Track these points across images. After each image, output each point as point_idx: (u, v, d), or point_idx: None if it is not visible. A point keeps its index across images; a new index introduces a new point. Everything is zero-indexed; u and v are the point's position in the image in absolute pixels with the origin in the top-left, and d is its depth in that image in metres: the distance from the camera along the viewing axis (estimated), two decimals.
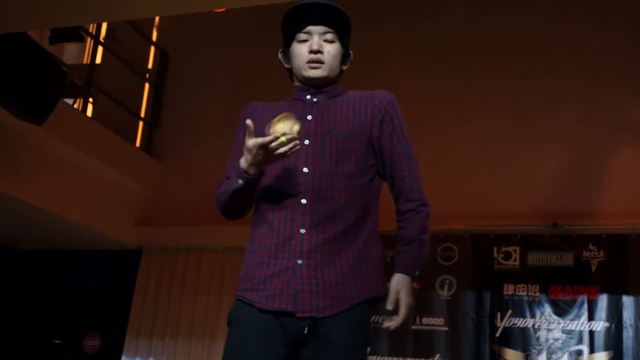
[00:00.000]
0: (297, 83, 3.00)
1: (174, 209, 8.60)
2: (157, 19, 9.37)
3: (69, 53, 8.77)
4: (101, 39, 8.53)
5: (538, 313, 7.31)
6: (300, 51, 2.89)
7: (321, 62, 2.88)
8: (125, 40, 8.80)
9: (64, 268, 8.89)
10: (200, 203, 8.42)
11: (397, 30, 8.40)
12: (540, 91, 7.57)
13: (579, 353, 7.13)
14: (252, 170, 2.64)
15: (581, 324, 7.21)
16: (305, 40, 2.89)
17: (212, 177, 8.89)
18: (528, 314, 7.34)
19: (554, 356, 7.19)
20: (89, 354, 8.48)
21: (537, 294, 7.37)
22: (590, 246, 7.31)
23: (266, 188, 2.79)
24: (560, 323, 7.22)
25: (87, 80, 8.28)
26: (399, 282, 2.76)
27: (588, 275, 7.25)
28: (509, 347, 7.32)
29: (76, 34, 7.61)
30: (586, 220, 7.19)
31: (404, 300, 2.70)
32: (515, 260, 7.52)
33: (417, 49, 8.31)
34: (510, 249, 7.56)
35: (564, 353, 7.16)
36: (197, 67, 9.18)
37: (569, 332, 7.20)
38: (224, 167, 2.99)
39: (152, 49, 9.38)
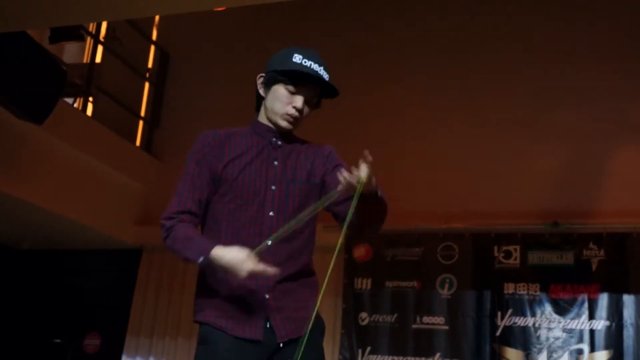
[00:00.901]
0: (262, 119, 3.13)
1: None
2: (157, 18, 9.39)
3: (69, 52, 8.78)
4: (101, 38, 8.57)
5: (538, 312, 7.33)
6: (284, 100, 3.02)
7: (297, 120, 3.06)
8: (125, 40, 8.82)
9: (64, 267, 8.91)
10: None
11: (396, 29, 8.40)
12: (540, 90, 7.58)
13: (580, 352, 7.15)
14: (207, 264, 2.76)
15: (582, 322, 7.22)
16: (293, 93, 3.02)
17: None
18: (528, 313, 7.35)
19: (555, 355, 7.19)
20: (89, 354, 8.51)
21: (538, 293, 7.37)
22: (591, 245, 7.32)
23: (234, 225, 2.96)
24: (560, 322, 7.25)
25: (87, 80, 8.29)
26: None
27: (588, 274, 7.26)
28: (510, 346, 7.34)
29: (76, 33, 7.57)
30: (587, 219, 7.21)
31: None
32: (515, 259, 7.53)
33: (417, 47, 8.32)
34: (511, 247, 7.57)
35: (564, 352, 7.18)
36: (197, 67, 9.21)
37: (569, 331, 7.22)
38: (179, 194, 3.07)
39: (152, 48, 9.46)
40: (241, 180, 2.97)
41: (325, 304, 7.85)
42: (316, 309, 2.87)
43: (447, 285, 7.65)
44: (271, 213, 2.95)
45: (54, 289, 8.83)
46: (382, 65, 8.33)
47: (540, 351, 7.24)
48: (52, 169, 7.56)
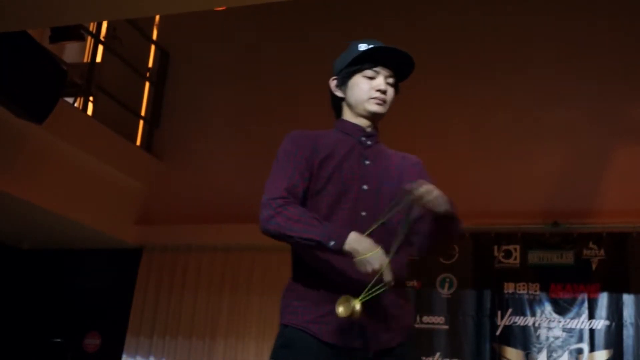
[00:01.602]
0: (348, 117, 3.08)
1: (175, 208, 8.64)
2: (157, 17, 9.39)
3: (69, 52, 8.80)
4: (101, 38, 8.56)
5: (538, 311, 7.34)
6: (366, 86, 2.99)
7: (385, 101, 3.00)
8: (126, 39, 8.82)
9: (64, 267, 8.90)
10: (200, 202, 8.55)
11: (396, 29, 8.40)
12: (540, 90, 7.59)
13: (580, 351, 7.15)
14: (347, 251, 2.61)
15: (581, 322, 7.22)
16: (371, 77, 2.99)
17: (212, 175, 8.93)
18: (528, 313, 7.36)
19: (555, 354, 7.20)
20: (90, 353, 8.49)
21: (538, 293, 7.38)
22: (591, 244, 7.32)
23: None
24: (560, 321, 7.25)
25: (87, 79, 8.27)
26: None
27: (588, 274, 7.26)
28: (510, 345, 7.35)
29: (76, 33, 7.61)
30: (586, 219, 7.21)
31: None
32: (515, 258, 7.54)
33: (419, 48, 8.26)
34: (511, 247, 7.58)
35: (564, 351, 7.18)
36: (197, 66, 9.21)
37: (569, 331, 7.22)
38: (285, 176, 2.90)
39: (153, 47, 9.45)
40: (335, 179, 2.89)
41: None
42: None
43: (447, 285, 7.67)
44: (363, 213, 2.87)
45: (54, 288, 8.82)
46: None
47: (540, 351, 7.24)
48: (52, 168, 7.55)
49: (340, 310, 2.59)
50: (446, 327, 7.56)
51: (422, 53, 8.38)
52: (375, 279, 2.63)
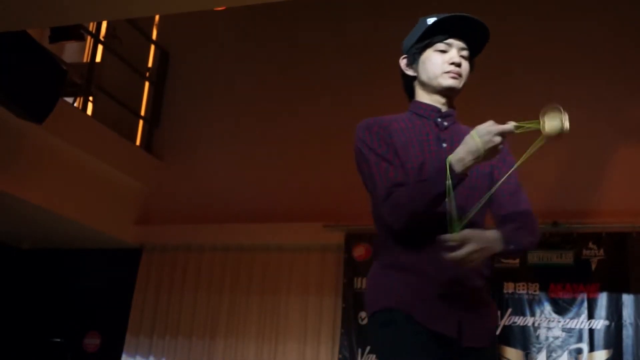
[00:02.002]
0: (422, 98, 2.92)
1: (174, 208, 8.65)
2: (157, 17, 9.42)
3: (69, 51, 8.82)
4: (101, 38, 8.61)
5: (538, 311, 7.36)
6: (438, 60, 2.83)
7: (460, 75, 2.85)
8: (125, 39, 8.86)
9: (64, 267, 8.93)
10: (200, 201, 8.60)
11: (394, 29, 8.38)
12: (539, 90, 7.57)
13: (579, 351, 7.15)
14: (462, 167, 2.49)
15: (581, 322, 7.22)
16: (443, 51, 2.84)
17: (212, 175, 8.93)
18: (528, 313, 7.38)
19: (554, 354, 7.21)
20: (90, 353, 8.53)
21: (537, 293, 7.40)
22: (590, 244, 7.32)
23: None
24: (560, 321, 7.25)
25: (87, 79, 8.29)
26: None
27: (588, 274, 7.27)
28: (509, 345, 7.35)
29: (76, 33, 7.59)
30: (586, 219, 7.21)
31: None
32: (515, 258, 7.43)
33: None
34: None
35: (563, 351, 7.19)
36: (197, 66, 9.24)
37: (568, 331, 7.22)
38: (377, 175, 2.75)
39: (152, 47, 9.49)
40: (414, 164, 2.72)
41: (324, 304, 8.04)
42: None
43: None
44: (467, 193, 2.69)
45: (54, 288, 8.85)
46: (377, 64, 8.28)
47: (539, 350, 7.26)
48: (52, 168, 7.58)
49: (547, 127, 2.47)
50: None
51: None
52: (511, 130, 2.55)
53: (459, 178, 2.50)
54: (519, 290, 7.45)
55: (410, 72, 2.92)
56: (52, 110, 6.48)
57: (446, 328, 2.58)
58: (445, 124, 2.86)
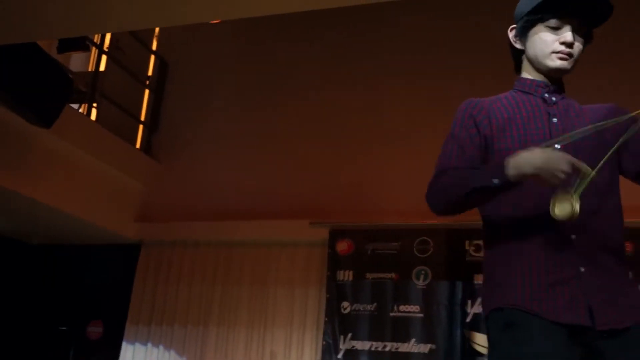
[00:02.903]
0: (527, 74, 2.58)
1: (172, 206, 8.65)
2: (157, 30, 9.42)
3: (75, 61, 8.78)
4: (105, 48, 8.59)
5: None
6: (548, 38, 2.46)
7: (570, 56, 2.47)
8: (128, 50, 8.83)
9: (70, 261, 8.93)
10: (195, 200, 8.51)
11: (384, 36, 8.45)
12: None
13: None
14: (515, 176, 2.21)
15: None
16: (556, 28, 2.46)
17: (206, 176, 8.94)
18: None
19: None
20: (93, 340, 8.52)
21: None
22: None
23: (515, 199, 2.36)
24: None
25: (91, 87, 8.30)
26: None
27: None
28: (479, 331, 7.32)
29: (82, 44, 7.58)
30: None
31: None
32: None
33: (401, 50, 8.37)
34: (481, 242, 7.42)
35: None
36: (194, 75, 9.22)
37: None
38: (443, 155, 2.55)
39: (152, 57, 9.46)
40: (522, 143, 2.36)
41: (310, 295, 8.05)
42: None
43: (422, 277, 7.68)
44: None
45: (60, 280, 8.82)
46: (368, 69, 8.38)
47: None
48: (59, 169, 7.59)
49: (557, 211, 2.19)
50: (421, 315, 7.57)
51: (403, 54, 8.37)
52: (577, 180, 2.20)
53: (506, 181, 2.23)
54: None
55: (518, 45, 2.58)
56: (60, 115, 6.54)
57: (575, 317, 2.22)
58: (554, 99, 2.51)
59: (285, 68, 8.74)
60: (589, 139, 2.33)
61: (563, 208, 2.18)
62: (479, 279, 7.45)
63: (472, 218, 7.52)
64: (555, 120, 2.44)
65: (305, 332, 7.97)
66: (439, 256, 7.72)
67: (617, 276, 2.33)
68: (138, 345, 8.31)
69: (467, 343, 7.38)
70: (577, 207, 2.16)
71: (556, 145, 2.29)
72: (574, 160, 2.16)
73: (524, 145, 2.31)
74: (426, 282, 7.68)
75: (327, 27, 8.44)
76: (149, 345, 8.29)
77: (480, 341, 7.30)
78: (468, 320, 7.42)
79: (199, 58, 9.24)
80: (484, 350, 7.29)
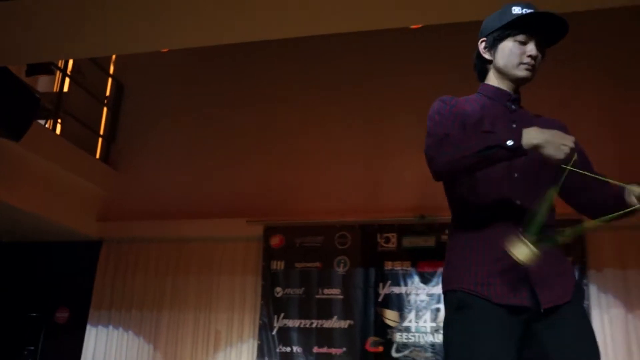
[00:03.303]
0: (493, 82, 2.57)
1: (128, 208, 8.60)
2: (113, 56, 9.34)
3: (41, 83, 8.68)
4: (68, 72, 8.53)
5: (409, 282, 7.52)
6: (517, 51, 2.47)
7: (534, 67, 2.49)
8: (88, 73, 8.83)
9: (39, 256, 8.81)
10: (149, 203, 8.42)
11: (324, 70, 8.44)
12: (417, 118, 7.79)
13: (438, 310, 7.34)
14: (526, 144, 2.15)
15: (440, 288, 7.12)
16: (523, 42, 2.47)
17: (157, 182, 8.92)
18: (402, 283, 7.54)
19: (420, 313, 7.40)
20: (60, 324, 8.45)
21: (409, 268, 7.57)
22: (447, 231, 6.97)
23: (486, 184, 2.39)
24: (425, 289, 7.45)
25: (56, 105, 8.25)
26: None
27: (445, 253, 7.39)
28: (389, 308, 7.52)
29: (48, 68, 7.53)
30: (444, 212, 7.07)
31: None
32: (393, 243, 7.70)
33: (331, 68, 8.36)
34: (390, 235, 7.73)
35: (427, 310, 7.38)
36: (145, 95, 9.17)
37: (431, 295, 7.42)
38: (436, 126, 2.41)
39: (110, 80, 9.36)
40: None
41: (248, 282, 8.01)
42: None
43: (342, 265, 7.81)
44: (516, 174, 2.39)
45: (31, 273, 8.74)
46: (297, 87, 8.42)
47: (410, 311, 7.43)
48: (28, 177, 7.51)
49: (516, 253, 2.13)
50: (341, 297, 7.68)
51: (326, 72, 8.31)
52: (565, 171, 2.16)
53: (519, 146, 2.14)
54: (395, 267, 7.60)
55: (487, 56, 2.56)
56: (28, 130, 6.51)
57: (520, 299, 2.26)
58: (514, 107, 2.53)
59: (224, 89, 8.72)
60: (538, 162, 2.32)
61: (522, 252, 2.12)
62: (388, 266, 7.63)
63: (382, 216, 7.73)
64: (514, 125, 2.44)
65: (244, 314, 8.00)
66: (355, 248, 7.83)
67: (557, 262, 2.38)
68: (100, 328, 8.24)
69: (379, 318, 7.51)
70: (533, 248, 2.11)
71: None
72: (572, 142, 2.15)
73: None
74: (345, 269, 7.79)
75: (261, 54, 8.43)
76: (110, 327, 8.22)
77: (390, 316, 7.47)
78: (380, 300, 7.56)
79: (150, 80, 9.14)
80: (392, 324, 7.44)
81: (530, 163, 2.38)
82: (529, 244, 2.11)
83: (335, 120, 8.17)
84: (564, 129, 2.47)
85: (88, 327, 8.28)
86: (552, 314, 2.27)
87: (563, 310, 2.28)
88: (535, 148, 2.15)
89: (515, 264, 2.18)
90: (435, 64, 7.75)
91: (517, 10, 2.47)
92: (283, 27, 4.92)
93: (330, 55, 8.35)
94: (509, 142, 2.14)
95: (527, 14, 2.44)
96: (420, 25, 7.11)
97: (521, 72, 2.48)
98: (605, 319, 6.96)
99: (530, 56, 2.46)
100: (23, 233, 8.59)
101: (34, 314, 8.46)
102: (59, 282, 8.60)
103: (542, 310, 2.25)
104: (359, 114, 8.13)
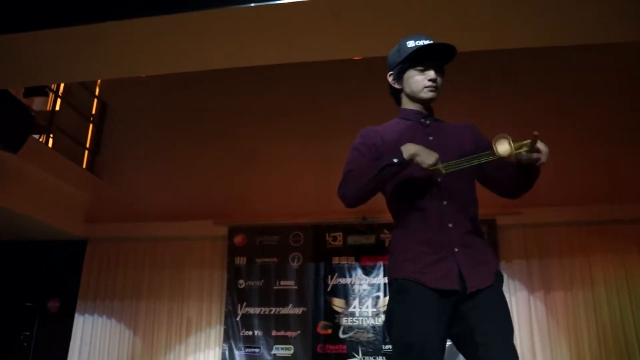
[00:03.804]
0: (407, 106, 2.64)
1: (111, 211, 8.53)
2: (99, 80, 9.25)
3: (37, 103, 8.45)
4: (60, 94, 8.47)
5: (354, 274, 7.58)
6: (419, 78, 2.55)
7: (436, 88, 2.57)
8: (77, 94, 8.74)
9: (33, 253, 8.70)
10: (129, 207, 8.34)
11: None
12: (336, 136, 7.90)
13: (378, 297, 7.39)
14: (407, 156, 2.30)
15: (379, 279, 7.46)
16: (423, 70, 2.55)
17: (136, 189, 8.86)
18: (347, 275, 7.60)
19: (363, 300, 7.44)
20: (52, 313, 8.36)
21: (353, 263, 7.62)
22: (385, 230, 7.55)
23: (411, 191, 2.47)
24: (367, 280, 7.50)
25: (49, 122, 8.20)
26: None
27: (383, 249, 7.48)
28: (336, 296, 7.56)
29: (42, 91, 7.47)
30: (383, 214, 6.79)
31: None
32: (339, 241, 7.75)
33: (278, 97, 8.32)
34: (337, 234, 7.79)
35: (369, 298, 7.41)
36: (127, 113, 9.09)
37: (372, 285, 7.46)
38: (349, 162, 2.50)
39: (95, 100, 9.27)
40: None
41: (215, 276, 7.99)
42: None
43: (296, 260, 7.84)
44: (438, 179, 2.44)
45: (26, 268, 8.62)
46: (259, 111, 8.36)
47: (354, 299, 7.47)
48: (24, 184, 7.42)
49: (501, 149, 2.18)
50: (296, 287, 7.70)
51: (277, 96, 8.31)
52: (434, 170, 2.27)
53: (402, 160, 2.30)
54: (341, 261, 7.66)
55: (396, 86, 2.63)
56: (24, 143, 6.47)
57: (451, 284, 2.34)
58: (427, 122, 2.59)
59: (195, 109, 8.67)
60: (455, 152, 2.45)
61: (504, 149, 2.18)
62: (336, 260, 7.69)
63: (329, 217, 7.78)
64: (430, 138, 2.52)
65: (212, 303, 7.97)
66: (307, 245, 7.85)
67: (480, 252, 2.43)
68: (87, 316, 8.16)
69: (328, 305, 7.55)
70: (513, 147, 2.17)
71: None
72: (433, 163, 2.28)
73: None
74: (299, 264, 7.81)
75: (230, 80, 8.40)
76: (95, 316, 8.16)
77: (337, 304, 7.52)
78: (329, 289, 7.62)
79: (131, 100, 9.06)
80: (339, 310, 7.48)
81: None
82: (511, 143, 2.18)
83: (291, 140, 8.17)
84: (472, 127, 2.62)
85: (76, 315, 8.19)
86: (476, 296, 2.33)
87: (485, 293, 2.34)
88: (412, 157, 2.30)
89: (446, 256, 2.35)
90: (375, 91, 7.86)
91: (410, 44, 2.54)
92: (244, 55, 5.01)
93: (287, 82, 8.36)
94: (395, 160, 2.30)
95: (419, 48, 2.51)
96: (361, 57, 7.24)
97: (426, 95, 2.56)
98: (513, 301, 7.26)
99: (430, 80, 2.54)
100: (20, 233, 8.48)
101: (29, 304, 8.38)
102: (50, 275, 8.53)
103: (467, 293, 2.32)
104: (311, 134, 8.13)
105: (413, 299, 2.33)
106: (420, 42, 2.53)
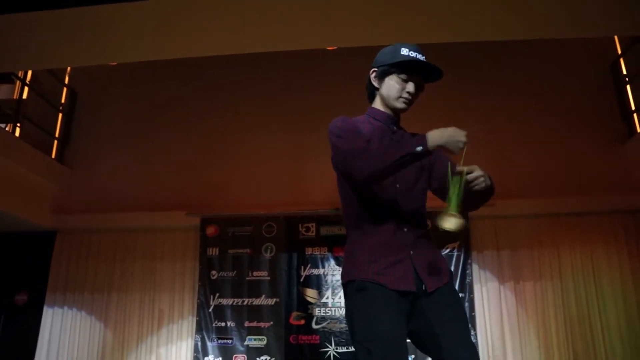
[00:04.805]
0: (378, 106, 2.68)
1: (80, 202, 8.42)
2: (68, 68, 9.11)
3: (2, 91, 8.45)
4: (27, 81, 8.36)
5: (326, 265, 7.63)
6: (398, 86, 2.58)
7: (410, 102, 2.62)
8: (45, 82, 8.60)
9: (0, 245, 8.51)
10: (99, 197, 8.29)
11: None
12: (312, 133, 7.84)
13: None
14: (432, 146, 2.28)
15: None
16: (405, 80, 2.58)
17: (106, 179, 8.77)
18: (320, 266, 7.64)
19: (336, 291, 7.53)
20: (20, 306, 8.25)
21: (326, 253, 7.67)
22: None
23: (371, 198, 2.51)
24: (339, 270, 7.40)
25: (15, 111, 8.09)
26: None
27: None
28: (309, 287, 7.60)
29: (8, 78, 7.49)
30: None
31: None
32: (312, 232, 7.76)
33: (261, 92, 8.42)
34: (310, 225, 7.79)
35: (341, 289, 7.43)
36: (97, 102, 8.98)
37: None
38: (347, 139, 2.46)
39: (65, 89, 9.15)
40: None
41: (187, 267, 7.97)
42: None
43: (269, 251, 7.81)
44: (398, 185, 2.51)
45: None
46: (234, 102, 8.37)
47: (327, 289, 7.55)
48: None
49: (448, 225, 2.24)
50: (269, 278, 7.69)
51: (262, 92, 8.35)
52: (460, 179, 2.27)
53: (426, 150, 2.29)
54: (314, 252, 7.68)
55: (375, 84, 2.65)
56: None
57: (409, 285, 2.43)
58: (395, 128, 2.65)
59: (166, 99, 8.64)
60: (416, 169, 2.56)
61: (453, 223, 2.22)
62: (309, 251, 7.71)
63: (303, 208, 7.81)
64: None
65: (184, 294, 7.94)
66: (280, 236, 7.84)
67: (432, 253, 2.54)
68: (56, 309, 8.08)
69: (301, 296, 7.58)
70: (460, 218, 2.23)
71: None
72: (465, 137, 2.27)
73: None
74: (272, 254, 7.80)
75: (201, 70, 8.44)
76: (65, 308, 8.07)
77: (310, 294, 7.56)
78: (302, 280, 7.64)
79: (101, 89, 8.98)
80: (312, 300, 7.52)
81: (408, 175, 2.55)
82: (457, 216, 2.23)
83: (264, 131, 8.19)
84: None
85: (45, 308, 8.10)
86: (433, 293, 2.46)
87: (441, 290, 2.47)
88: (439, 147, 2.29)
89: (404, 258, 2.44)
90: (349, 83, 7.88)
91: (405, 51, 2.57)
92: (214, 45, 4.99)
93: (259, 74, 8.39)
94: (419, 148, 2.27)
95: (411, 60, 2.54)
96: (335, 47, 7.22)
97: (399, 104, 2.60)
98: (484, 290, 7.44)
99: (408, 92, 2.58)
100: None
101: None
102: (18, 268, 8.42)
103: (427, 292, 2.44)
104: (283, 125, 8.16)
105: (374, 295, 2.39)
106: (414, 54, 2.57)
